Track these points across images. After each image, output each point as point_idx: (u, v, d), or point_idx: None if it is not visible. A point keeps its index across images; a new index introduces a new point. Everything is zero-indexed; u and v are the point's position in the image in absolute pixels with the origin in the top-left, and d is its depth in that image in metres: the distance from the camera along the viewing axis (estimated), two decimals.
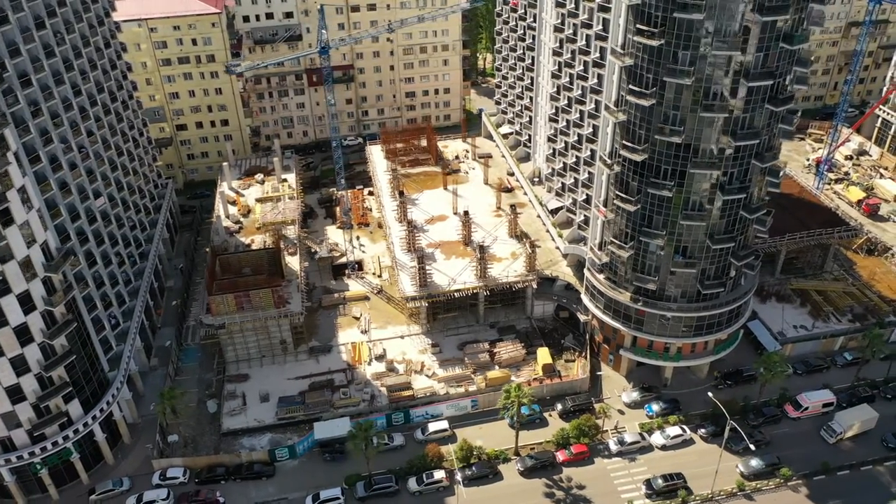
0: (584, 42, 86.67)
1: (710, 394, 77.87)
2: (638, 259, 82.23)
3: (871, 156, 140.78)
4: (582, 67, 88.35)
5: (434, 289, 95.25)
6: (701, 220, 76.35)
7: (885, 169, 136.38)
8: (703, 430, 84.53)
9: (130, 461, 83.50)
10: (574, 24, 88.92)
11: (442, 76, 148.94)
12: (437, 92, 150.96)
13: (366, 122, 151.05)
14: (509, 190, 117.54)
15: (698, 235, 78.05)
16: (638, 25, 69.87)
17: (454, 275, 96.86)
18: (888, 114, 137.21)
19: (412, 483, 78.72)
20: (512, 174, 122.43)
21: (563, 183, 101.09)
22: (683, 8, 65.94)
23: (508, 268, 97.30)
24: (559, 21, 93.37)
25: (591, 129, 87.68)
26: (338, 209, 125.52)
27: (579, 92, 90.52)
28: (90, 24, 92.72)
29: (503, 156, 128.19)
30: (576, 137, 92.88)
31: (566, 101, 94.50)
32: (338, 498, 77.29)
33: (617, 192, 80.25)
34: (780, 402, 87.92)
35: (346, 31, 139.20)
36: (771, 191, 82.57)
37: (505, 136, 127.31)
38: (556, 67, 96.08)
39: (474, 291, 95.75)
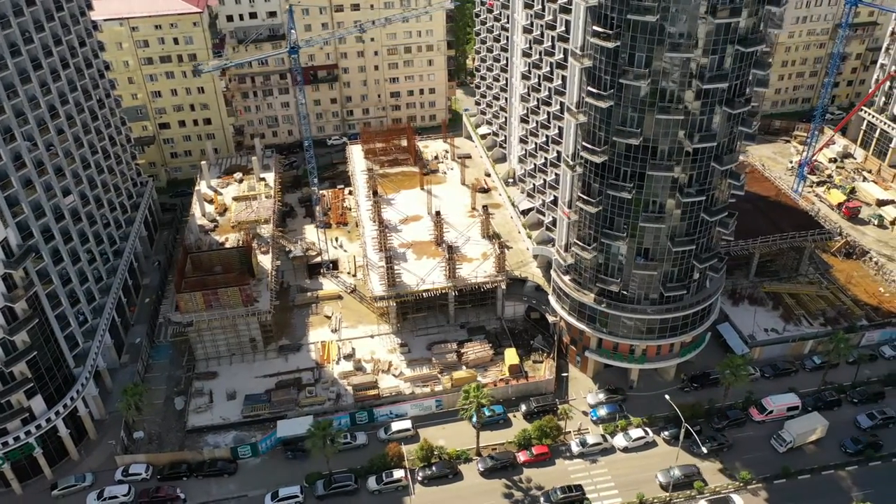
0: (549, 43, 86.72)
1: (667, 396, 77.80)
2: (601, 261, 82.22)
3: (855, 159, 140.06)
4: (548, 69, 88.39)
5: (403, 288, 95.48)
6: (660, 222, 76.29)
7: (869, 172, 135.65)
8: (666, 433, 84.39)
9: (95, 457, 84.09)
10: (541, 26, 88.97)
11: (427, 76, 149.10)
12: (422, 92, 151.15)
13: (351, 121, 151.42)
14: (486, 190, 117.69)
15: (659, 237, 77.97)
16: (594, 27, 69.87)
17: (423, 275, 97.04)
18: (873, 116, 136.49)
19: (371, 482, 79.01)
20: (490, 175, 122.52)
21: (534, 184, 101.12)
22: (637, 10, 65.89)
23: (478, 268, 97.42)
24: (528, 22, 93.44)
25: (556, 131, 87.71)
26: (317, 208, 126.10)
27: (546, 93, 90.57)
28: (63, 23, 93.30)
29: (482, 156, 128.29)
30: (544, 139, 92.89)
31: (535, 103, 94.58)
32: (297, 496, 77.65)
33: (579, 194, 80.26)
34: (746, 405, 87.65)
35: (331, 30, 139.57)
36: (735, 193, 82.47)
37: (483, 136, 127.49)
38: (526, 69, 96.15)
39: (443, 291, 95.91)
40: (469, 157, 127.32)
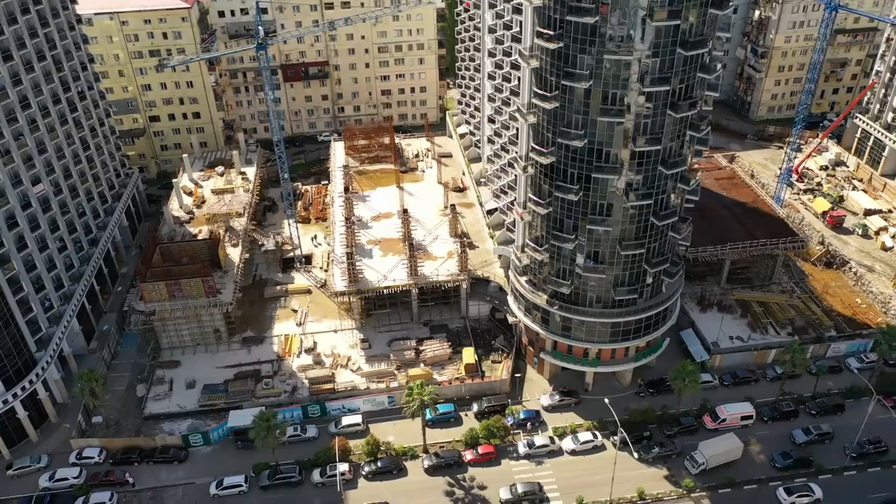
0: (508, 44, 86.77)
1: (606, 400, 77.33)
2: (552, 262, 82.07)
3: (847, 167, 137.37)
4: (507, 69, 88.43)
5: (364, 285, 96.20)
6: (607, 224, 75.93)
7: (860, 181, 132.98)
8: (615, 437, 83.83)
9: (54, 439, 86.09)
10: (501, 26, 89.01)
11: (418, 75, 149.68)
12: (413, 90, 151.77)
13: (342, 118, 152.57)
14: (461, 190, 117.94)
15: (607, 240, 77.57)
16: (538, 28, 69.82)
17: (386, 272, 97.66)
18: (867, 124, 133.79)
19: (315, 475, 79.85)
20: (465, 174, 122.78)
21: (499, 185, 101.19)
22: (576, 11, 65.72)
23: (441, 267, 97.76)
24: (493, 22, 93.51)
25: (514, 132, 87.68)
26: (299, 203, 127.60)
27: (506, 94, 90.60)
28: (41, 17, 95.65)
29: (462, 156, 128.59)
30: (506, 139, 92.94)
31: (499, 103, 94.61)
32: (241, 485, 78.86)
33: (530, 195, 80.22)
34: (701, 412, 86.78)
35: (321, 27, 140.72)
36: (690, 198, 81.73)
37: (462, 136, 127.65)
38: (492, 69, 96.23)
39: (405, 289, 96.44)
40: (450, 156, 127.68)
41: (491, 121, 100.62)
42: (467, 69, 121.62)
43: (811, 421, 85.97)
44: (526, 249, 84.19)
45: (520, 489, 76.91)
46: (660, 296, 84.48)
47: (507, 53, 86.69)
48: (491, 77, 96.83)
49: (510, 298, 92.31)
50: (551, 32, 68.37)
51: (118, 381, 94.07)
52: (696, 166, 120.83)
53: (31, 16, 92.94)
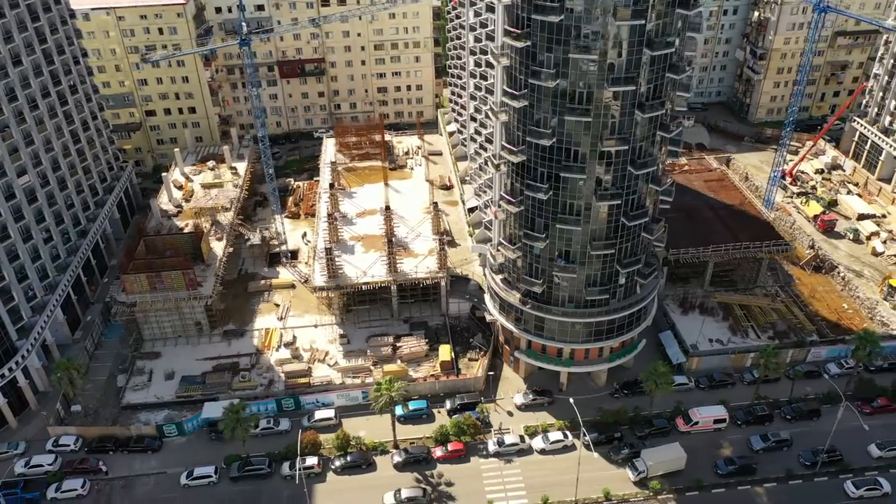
0: (484, 42, 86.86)
1: (571, 400, 77.24)
2: (525, 261, 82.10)
3: (844, 171, 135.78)
4: (485, 67, 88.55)
5: (344, 280, 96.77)
6: (577, 224, 75.83)
7: (856, 185, 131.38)
8: (586, 438, 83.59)
9: (33, 426, 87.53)
10: (479, 24, 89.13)
11: (414, 73, 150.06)
12: (409, 88, 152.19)
13: (338, 115, 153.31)
14: (448, 188, 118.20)
15: (578, 240, 77.46)
16: (506, 27, 69.91)
17: (366, 268, 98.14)
18: (865, 128, 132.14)
19: (285, 467, 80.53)
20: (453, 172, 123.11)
21: (479, 183, 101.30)
22: (542, 10, 65.73)
23: (420, 264, 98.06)
24: (474, 21, 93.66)
25: (490, 130, 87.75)
26: (290, 199, 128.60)
27: (484, 92, 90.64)
28: (31, 11, 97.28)
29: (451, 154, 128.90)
30: (483, 138, 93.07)
31: (479, 101, 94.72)
32: (210, 476, 79.76)
33: (502, 194, 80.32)
34: (674, 414, 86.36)
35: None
36: (664, 199, 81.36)
37: (451, 134, 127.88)
38: (473, 67, 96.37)
39: (384, 285, 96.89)
40: (440, 154, 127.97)
41: (472, 119, 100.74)
42: (455, 67, 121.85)
43: (786, 426, 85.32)
44: (499, 248, 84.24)
45: (404, 494, 76.34)
46: (634, 297, 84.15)
47: (484, 52, 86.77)
48: (472, 76, 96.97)
49: (486, 296, 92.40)
50: (518, 31, 68.40)
51: (100, 370, 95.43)
52: (685, 167, 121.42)
53: (20, 10, 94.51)
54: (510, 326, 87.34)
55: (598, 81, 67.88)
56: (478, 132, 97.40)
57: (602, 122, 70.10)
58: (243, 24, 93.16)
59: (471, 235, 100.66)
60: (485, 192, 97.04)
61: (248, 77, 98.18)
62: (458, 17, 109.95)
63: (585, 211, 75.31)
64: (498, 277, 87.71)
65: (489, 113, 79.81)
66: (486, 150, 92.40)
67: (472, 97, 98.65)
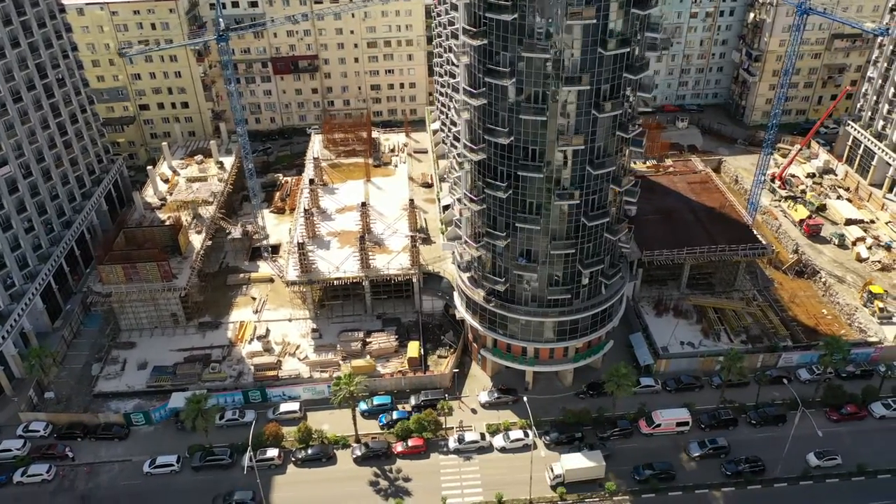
0: (450, 40, 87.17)
1: (524, 398, 77.29)
2: (488, 259, 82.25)
3: (836, 175, 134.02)
4: (452, 66, 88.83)
5: (316, 275, 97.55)
6: (536, 223, 75.81)
7: (847, 189, 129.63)
8: (547, 437, 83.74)
9: (6, 412, 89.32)
10: (448, 22, 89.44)
11: (407, 71, 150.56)
12: (402, 86, 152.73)
13: (332, 111, 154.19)
14: (430, 185, 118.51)
15: (538, 239, 77.46)
16: (464, 25, 70.16)
17: (339, 263, 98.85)
18: (859, 132, 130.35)
19: (246, 458, 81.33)
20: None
21: (451, 180, 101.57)
22: (496, 8, 65.86)
23: (392, 260, 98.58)
24: (444, 19, 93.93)
25: (458, 128, 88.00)
26: (277, 194, 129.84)
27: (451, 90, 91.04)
28: (17, 4, 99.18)
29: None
30: (453, 135, 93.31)
31: (448, 98, 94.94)
32: (172, 465, 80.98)
33: (465, 192, 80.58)
34: (639, 416, 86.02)
35: (311, 21, 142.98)
36: (628, 200, 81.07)
37: (434, 132, 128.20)
38: (448, 65, 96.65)
39: (356, 281, 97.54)
40: (426, 151, 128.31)
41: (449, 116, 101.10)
42: (439, 65, 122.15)
43: (751, 430, 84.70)
44: (464, 245, 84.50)
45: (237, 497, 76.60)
46: (598, 297, 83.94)
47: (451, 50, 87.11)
48: (449, 74, 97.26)
49: (455, 294, 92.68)
50: (474, 29, 68.60)
51: (76, 359, 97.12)
52: (669, 169, 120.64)
53: (6, 3, 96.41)
54: (475, 324, 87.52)
55: (552, 80, 67.84)
56: (451, 130, 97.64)
57: (558, 122, 70.04)
58: (220, 19, 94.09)
59: (442, 233, 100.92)
60: (454, 190, 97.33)
61: (225, 73, 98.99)
62: (438, 14, 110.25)
63: (545, 210, 75.26)
64: (465, 275, 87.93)
65: (453, 111, 79.98)
66: (455, 147, 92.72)
67: (449, 96, 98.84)
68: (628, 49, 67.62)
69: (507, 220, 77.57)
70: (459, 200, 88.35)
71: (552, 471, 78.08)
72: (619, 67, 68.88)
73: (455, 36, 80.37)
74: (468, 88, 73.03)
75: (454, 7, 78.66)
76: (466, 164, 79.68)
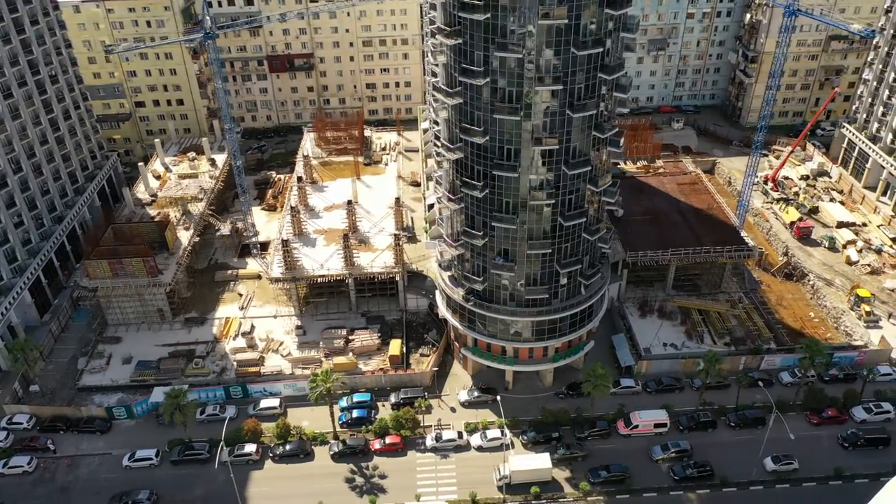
0: (431, 39, 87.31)
1: (498, 397, 77.38)
2: (467, 258, 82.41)
3: (830, 177, 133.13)
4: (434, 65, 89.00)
5: (300, 272, 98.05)
6: (512, 223, 75.88)
7: (840, 192, 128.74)
8: (524, 437, 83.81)
9: None
10: (430, 21, 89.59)
11: (402, 70, 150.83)
12: (397, 85, 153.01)
13: (328, 109, 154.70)
14: (419, 184, 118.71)
15: (515, 239, 77.53)
16: (440, 24, 70.35)
17: (324, 261, 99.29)
18: (854, 135, 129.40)
19: (223, 454, 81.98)
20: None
21: (435, 179, 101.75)
22: (469, 8, 66.01)
23: (376, 258, 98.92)
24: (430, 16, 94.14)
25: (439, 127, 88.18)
26: (269, 191, 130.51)
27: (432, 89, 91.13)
28: (9, 2, 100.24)
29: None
30: (434, 134, 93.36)
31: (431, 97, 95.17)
32: (151, 458, 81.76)
33: (444, 191, 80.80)
34: (617, 417, 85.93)
35: (306, 20, 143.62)
36: (607, 201, 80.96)
37: (425, 131, 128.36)
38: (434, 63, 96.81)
39: (340, 279, 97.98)
40: (417, 150, 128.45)
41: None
42: (430, 64, 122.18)
43: (730, 433, 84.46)
44: (443, 244, 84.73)
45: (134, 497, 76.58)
46: (577, 297, 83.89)
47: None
48: (431, 73, 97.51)
49: (437, 293, 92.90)
50: (449, 28, 68.79)
51: (63, 352, 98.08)
52: (659, 170, 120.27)
53: None
54: (455, 323, 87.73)
55: (526, 80, 67.89)
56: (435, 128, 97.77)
57: (532, 121, 70.09)
58: (207, 17, 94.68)
59: (426, 231, 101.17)
60: (437, 188, 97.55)
61: (214, 72, 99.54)
62: (427, 12, 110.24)
63: (521, 210, 75.32)
64: (446, 274, 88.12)
65: (432, 109, 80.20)
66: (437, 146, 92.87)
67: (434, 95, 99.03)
68: (601, 49, 67.51)
69: (485, 220, 77.68)
70: (440, 199, 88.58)
71: (499, 471, 78.32)
72: (593, 67, 68.81)
73: (434, 35, 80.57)
74: (444, 87, 73.22)
75: (433, 6, 78.83)
76: (445, 162, 79.86)
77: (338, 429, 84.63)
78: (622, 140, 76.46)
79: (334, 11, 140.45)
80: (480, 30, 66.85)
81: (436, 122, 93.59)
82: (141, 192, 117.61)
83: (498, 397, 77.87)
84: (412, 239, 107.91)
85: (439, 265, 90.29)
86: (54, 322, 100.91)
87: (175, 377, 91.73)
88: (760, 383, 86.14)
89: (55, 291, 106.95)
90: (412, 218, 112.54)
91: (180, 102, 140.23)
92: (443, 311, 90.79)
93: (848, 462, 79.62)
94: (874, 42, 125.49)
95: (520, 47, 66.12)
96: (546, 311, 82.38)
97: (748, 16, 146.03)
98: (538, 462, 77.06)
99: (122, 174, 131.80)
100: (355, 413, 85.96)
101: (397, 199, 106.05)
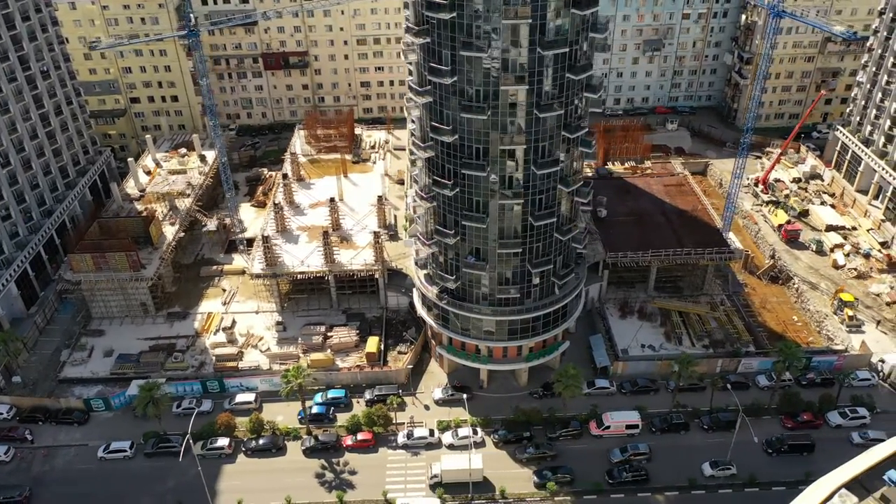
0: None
1: (465, 396, 77.60)
2: (440, 257, 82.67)
3: (822, 180, 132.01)
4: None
5: (281, 269, 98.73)
6: (481, 222, 76.04)
7: (832, 195, 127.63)
8: (495, 435, 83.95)
9: None
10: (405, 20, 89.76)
11: (397, 68, 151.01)
12: (391, 83, 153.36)
13: (322, 108, 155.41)
14: (404, 182, 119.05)
15: (486, 238, 77.69)
16: (408, 23, 70.65)
17: (304, 257, 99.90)
18: (847, 138, 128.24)
19: (197, 447, 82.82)
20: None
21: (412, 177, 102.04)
22: (435, 7, 66.24)
23: (357, 256, 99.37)
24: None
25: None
26: (259, 188, 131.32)
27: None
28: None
29: None
30: (410, 133, 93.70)
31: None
32: (125, 450, 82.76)
33: (417, 190, 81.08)
34: (591, 417, 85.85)
35: (301, 18, 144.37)
36: (580, 201, 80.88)
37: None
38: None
39: (320, 275, 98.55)
40: (405, 148, 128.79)
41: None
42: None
43: (703, 435, 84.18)
44: (417, 242, 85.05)
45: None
46: (551, 297, 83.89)
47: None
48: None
49: (415, 291, 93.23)
50: (417, 28, 69.06)
51: (47, 344, 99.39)
52: (647, 171, 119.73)
53: None
54: (430, 321, 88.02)
55: (492, 79, 68.03)
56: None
57: (500, 121, 70.20)
58: (191, 15, 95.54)
59: (405, 229, 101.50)
60: (413, 187, 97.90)
61: (199, 69, 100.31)
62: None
63: (491, 209, 75.44)
64: (422, 272, 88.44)
65: (406, 109, 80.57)
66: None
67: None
68: (567, 49, 67.46)
69: (456, 219, 77.91)
70: (415, 198, 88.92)
71: (431, 469, 78.87)
72: (560, 67, 68.79)
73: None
74: (415, 87, 73.49)
75: (406, 5, 79.06)
76: (419, 161, 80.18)
77: (298, 425, 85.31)
78: (593, 141, 76.35)
79: (328, 10, 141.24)
80: (447, 29, 67.05)
81: (412, 121, 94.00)
82: (130, 187, 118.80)
83: (465, 396, 77.96)
84: (394, 237, 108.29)
85: (416, 263, 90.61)
86: (40, 314, 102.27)
87: (154, 371, 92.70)
88: (729, 386, 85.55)
89: (42, 284, 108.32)
90: (395, 216, 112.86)
91: (174, 99, 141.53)
92: (419, 308, 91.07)
93: (772, 468, 79.20)
94: (868, 44, 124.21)
95: (485, 46, 66.22)
96: (518, 311, 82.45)
97: (743, 17, 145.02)
98: (468, 464, 76.51)
99: (115, 169, 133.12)
100: (315, 410, 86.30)
101: (380, 197, 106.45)
